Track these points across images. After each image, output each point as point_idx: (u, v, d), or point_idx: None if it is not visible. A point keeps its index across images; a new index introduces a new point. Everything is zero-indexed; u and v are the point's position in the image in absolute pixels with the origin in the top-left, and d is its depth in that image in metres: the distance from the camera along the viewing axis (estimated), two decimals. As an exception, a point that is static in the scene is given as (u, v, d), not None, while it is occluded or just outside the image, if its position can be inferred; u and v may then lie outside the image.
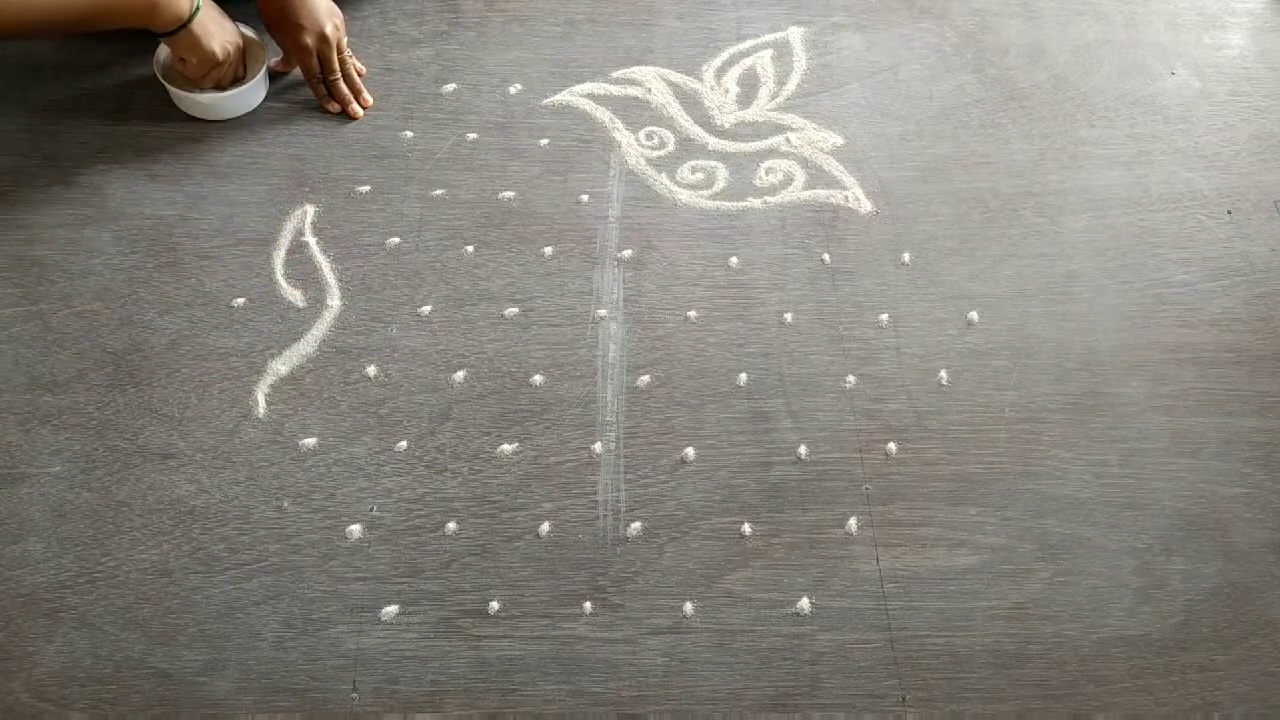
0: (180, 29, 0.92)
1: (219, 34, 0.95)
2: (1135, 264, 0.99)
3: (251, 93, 1.02)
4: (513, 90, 1.08)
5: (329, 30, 0.99)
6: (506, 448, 0.84)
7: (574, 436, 0.85)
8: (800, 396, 0.89)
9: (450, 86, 1.07)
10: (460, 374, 0.88)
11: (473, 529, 0.80)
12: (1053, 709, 0.75)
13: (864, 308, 0.94)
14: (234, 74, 1.00)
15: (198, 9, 0.92)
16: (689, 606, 0.78)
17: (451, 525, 0.80)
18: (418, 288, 0.93)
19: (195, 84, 0.99)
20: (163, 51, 1.00)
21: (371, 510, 0.81)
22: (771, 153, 1.05)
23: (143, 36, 1.03)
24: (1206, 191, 1.05)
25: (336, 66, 1.01)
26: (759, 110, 1.09)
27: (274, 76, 1.05)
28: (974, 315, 0.94)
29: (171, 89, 0.99)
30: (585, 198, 1.00)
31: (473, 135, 1.04)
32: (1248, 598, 0.81)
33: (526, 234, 0.97)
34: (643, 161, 1.03)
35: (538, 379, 0.88)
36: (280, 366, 0.87)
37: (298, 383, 0.87)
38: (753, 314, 0.94)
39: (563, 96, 1.08)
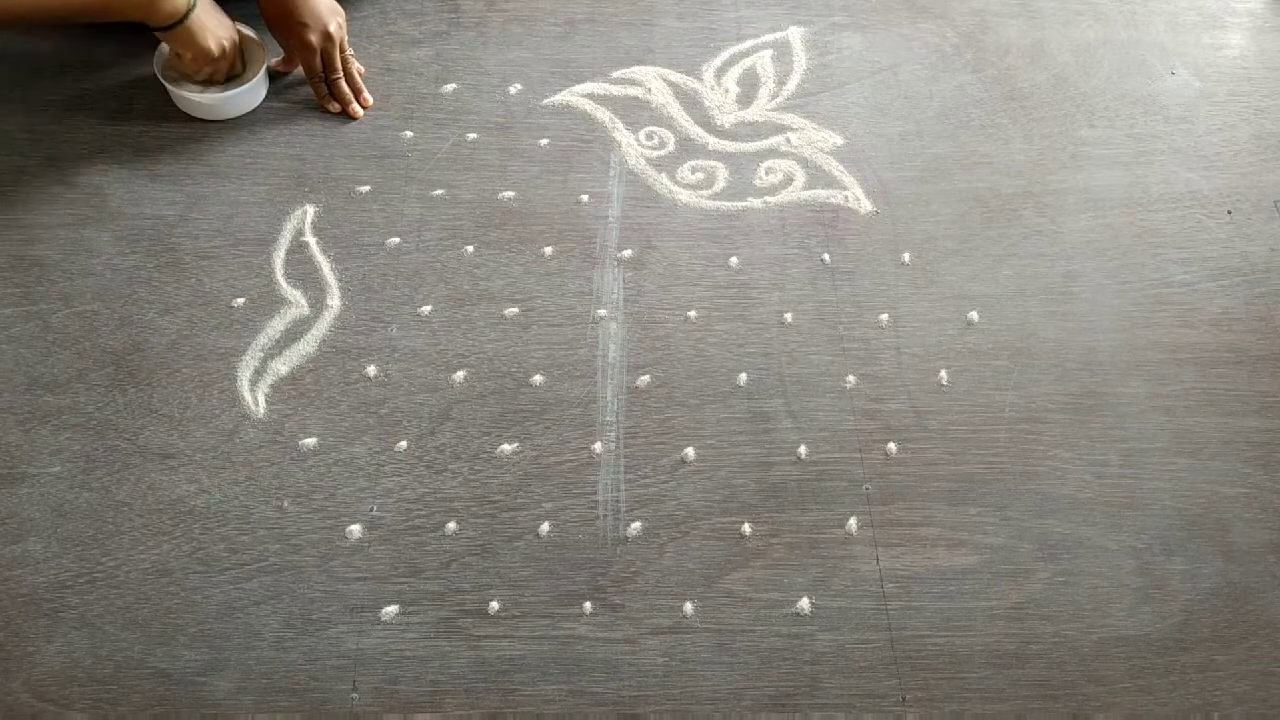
0: (176, 24, 0.92)
1: (215, 29, 0.95)
2: (1135, 264, 0.99)
3: (251, 93, 1.02)
4: (513, 90, 1.08)
5: (331, 29, 0.99)
6: (506, 448, 0.84)
7: (574, 436, 0.85)
8: (800, 396, 0.89)
9: (450, 86, 1.07)
10: (460, 374, 0.88)
11: (473, 529, 0.80)
12: (1053, 709, 0.75)
13: (864, 308, 0.94)
14: (230, 69, 1.00)
15: (194, 4, 0.92)
16: (689, 606, 0.78)
17: (451, 525, 0.80)
18: (418, 288, 0.93)
19: (192, 79, 0.99)
20: (163, 51, 1.00)
21: (371, 510, 0.81)
22: (771, 153, 1.05)
23: (142, 36, 1.03)
24: (1206, 191, 1.05)
25: (338, 66, 1.01)
26: (759, 110, 1.09)
27: (274, 76, 1.05)
28: (974, 315, 0.94)
29: (172, 89, 0.99)
30: (585, 198, 1.00)
31: (473, 135, 1.04)
32: (1248, 598, 0.81)
33: (526, 234, 0.97)
34: (643, 161, 1.03)
35: (538, 379, 0.88)
36: (280, 366, 0.87)
37: (298, 383, 0.87)
38: (753, 314, 0.94)
39: (563, 96, 1.08)
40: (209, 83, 0.99)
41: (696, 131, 1.06)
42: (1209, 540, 0.83)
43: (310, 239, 0.95)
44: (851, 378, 0.90)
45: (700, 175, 1.03)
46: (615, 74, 1.10)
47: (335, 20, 1.00)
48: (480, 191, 1.00)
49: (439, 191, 0.99)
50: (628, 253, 0.97)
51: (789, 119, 1.08)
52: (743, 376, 0.90)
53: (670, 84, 1.10)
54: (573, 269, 0.95)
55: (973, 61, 1.15)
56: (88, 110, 1.01)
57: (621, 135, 1.05)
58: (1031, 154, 1.07)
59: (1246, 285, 0.98)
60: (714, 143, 1.05)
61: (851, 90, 1.11)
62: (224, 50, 0.97)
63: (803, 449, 0.86)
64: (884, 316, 0.94)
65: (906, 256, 0.98)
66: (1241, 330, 0.95)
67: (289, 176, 0.99)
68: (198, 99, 0.99)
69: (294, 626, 0.75)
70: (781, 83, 1.11)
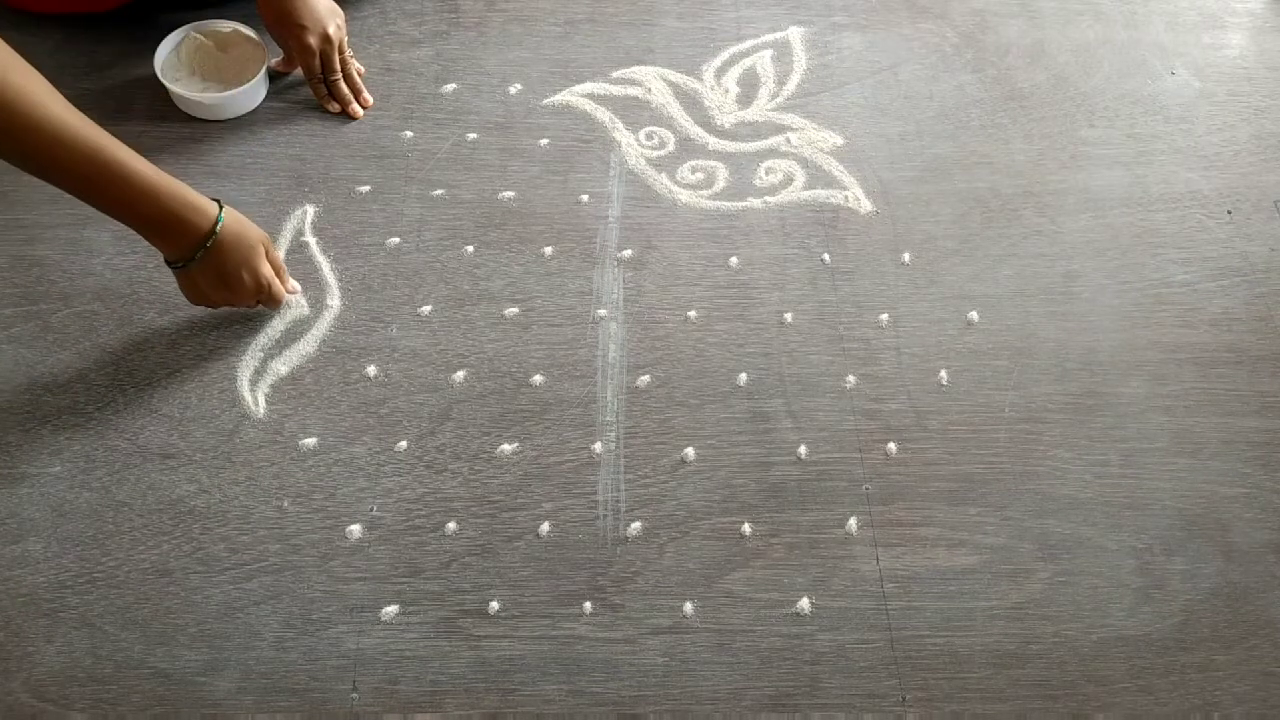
0: (199, 253, 0.78)
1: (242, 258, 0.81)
2: (1135, 264, 0.99)
3: (251, 93, 1.02)
4: (513, 90, 1.08)
5: (331, 30, 0.99)
6: (506, 448, 0.84)
7: (574, 436, 0.85)
8: (800, 396, 0.89)
9: (450, 86, 1.07)
10: (460, 374, 0.88)
11: (473, 529, 0.80)
12: (1053, 709, 0.75)
13: (864, 308, 0.94)
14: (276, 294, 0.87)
15: (219, 223, 0.78)
16: (689, 606, 0.78)
17: (451, 525, 0.80)
18: (418, 288, 0.93)
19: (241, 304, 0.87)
20: (163, 50, 1.00)
21: (371, 510, 0.81)
22: (771, 153, 1.05)
23: (142, 35, 1.04)
24: (1206, 191, 1.05)
25: (338, 66, 1.01)
26: (759, 110, 1.09)
27: (274, 76, 1.05)
28: (974, 315, 0.94)
29: (171, 89, 0.99)
30: (585, 198, 1.00)
31: (473, 135, 1.04)
32: (1248, 598, 0.81)
33: (526, 234, 0.97)
34: (643, 161, 1.03)
35: (538, 379, 0.88)
36: (280, 366, 0.87)
37: (298, 383, 0.87)
38: (753, 314, 0.94)
39: (563, 96, 1.08)
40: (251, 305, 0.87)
41: (696, 131, 1.06)
42: (1209, 540, 0.83)
43: (310, 239, 0.95)
44: (851, 378, 0.90)
45: (700, 175, 1.03)
46: (615, 74, 1.10)
47: (334, 22, 1.00)
48: (480, 191, 1.00)
49: (439, 191, 0.99)
50: (628, 253, 0.97)
51: (789, 119, 1.08)
52: (743, 376, 0.90)
53: (670, 84, 1.10)
54: (573, 269, 0.95)
55: (973, 61, 1.15)
56: (88, 110, 1.00)
57: (621, 135, 1.05)
58: (1031, 154, 1.07)
59: (1246, 285, 0.98)
60: (714, 143, 1.05)
61: (851, 90, 1.11)
62: (261, 283, 0.84)
63: (803, 449, 0.86)
64: (884, 316, 0.94)
65: (906, 256, 0.98)
66: (1241, 330, 0.95)
67: (289, 176, 0.99)
68: (197, 99, 0.99)
69: (294, 626, 0.75)
70: (781, 83, 1.11)
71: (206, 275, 0.80)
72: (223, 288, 0.82)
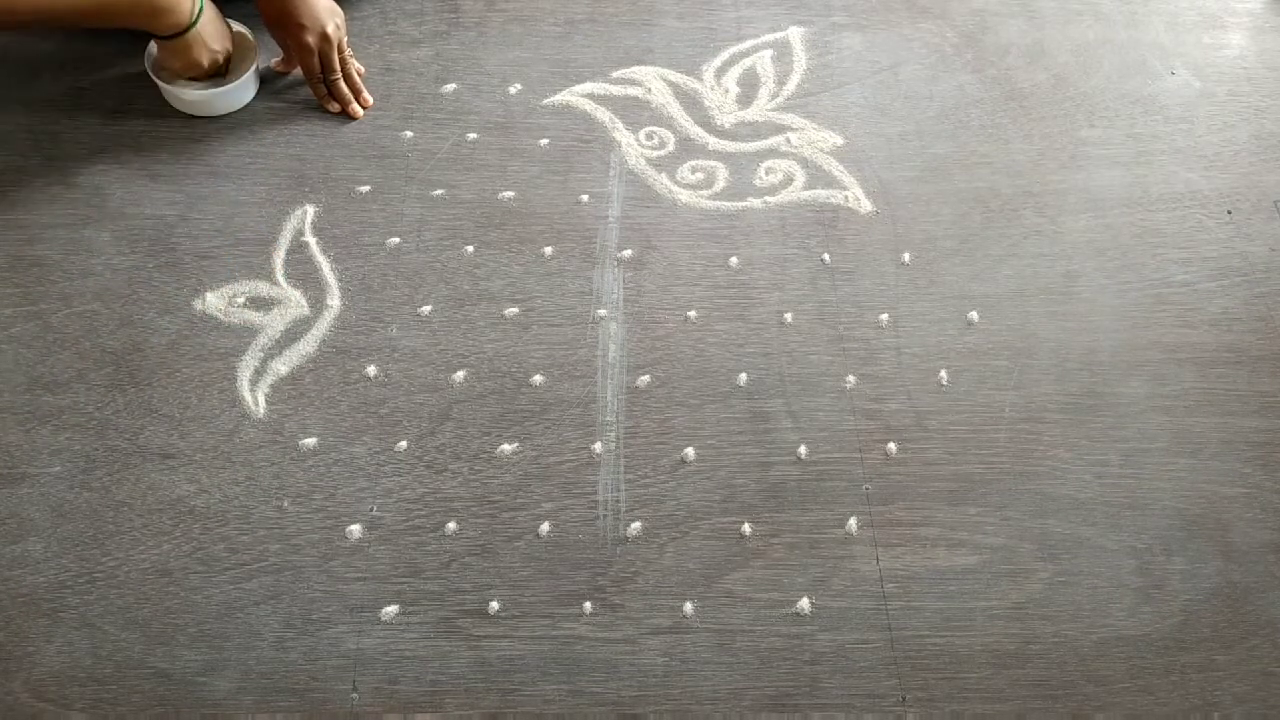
0: (176, 36, 0.93)
1: (212, 43, 0.96)
2: (1135, 264, 0.99)
3: (241, 90, 1.01)
4: (513, 90, 1.08)
5: (330, 30, 0.99)
6: (506, 448, 0.84)
7: (574, 436, 0.85)
8: (800, 396, 0.89)
9: (450, 86, 1.07)
10: (460, 374, 0.88)
11: (473, 529, 0.80)
12: (1053, 709, 0.75)
13: (864, 308, 0.94)
14: (214, 70, 1.01)
15: (197, 19, 0.93)
16: (689, 606, 0.78)
17: (451, 525, 0.80)
18: (418, 288, 0.93)
19: (177, 76, 1.00)
20: (153, 48, 1.00)
21: (371, 510, 0.81)
22: (771, 153, 1.05)
23: (143, 36, 1.03)
24: (1206, 191, 1.05)
25: (337, 66, 1.01)
26: (759, 110, 1.09)
27: (275, 76, 1.05)
28: (974, 315, 0.94)
29: (161, 85, 0.99)
30: (585, 198, 1.00)
31: (473, 135, 1.04)
32: (1248, 598, 0.81)
33: (526, 234, 0.97)
34: (643, 161, 1.03)
35: (538, 379, 0.88)
36: (280, 366, 0.87)
37: (298, 383, 0.87)
38: (753, 314, 0.94)
39: (563, 96, 1.08)
40: (192, 79, 1.00)
41: (696, 131, 1.06)
42: (1209, 540, 0.83)
43: (310, 239, 0.95)
44: (851, 378, 0.90)
45: (700, 175, 1.03)
46: (615, 74, 1.10)
47: (334, 21, 1.00)
48: (480, 191, 1.00)
49: (439, 191, 0.99)
50: (628, 253, 0.97)
51: (789, 119, 1.08)
52: (743, 376, 0.90)
53: (670, 84, 1.10)
54: (573, 269, 0.95)
55: (973, 61, 1.15)
56: (87, 110, 1.01)
57: (621, 135, 1.05)
58: (1031, 154, 1.07)
59: (1246, 285, 0.98)
60: (714, 143, 1.05)
61: (851, 90, 1.11)
62: (215, 63, 0.98)
63: (803, 449, 0.86)
64: (884, 316, 0.94)
65: (906, 256, 0.98)
66: (1241, 330, 0.95)
67: (289, 176, 0.99)
68: (186, 95, 0.99)
69: (294, 626, 0.75)
70: (781, 83, 1.11)
71: (208, 29, 0.94)
72: (223, 37, 0.97)
